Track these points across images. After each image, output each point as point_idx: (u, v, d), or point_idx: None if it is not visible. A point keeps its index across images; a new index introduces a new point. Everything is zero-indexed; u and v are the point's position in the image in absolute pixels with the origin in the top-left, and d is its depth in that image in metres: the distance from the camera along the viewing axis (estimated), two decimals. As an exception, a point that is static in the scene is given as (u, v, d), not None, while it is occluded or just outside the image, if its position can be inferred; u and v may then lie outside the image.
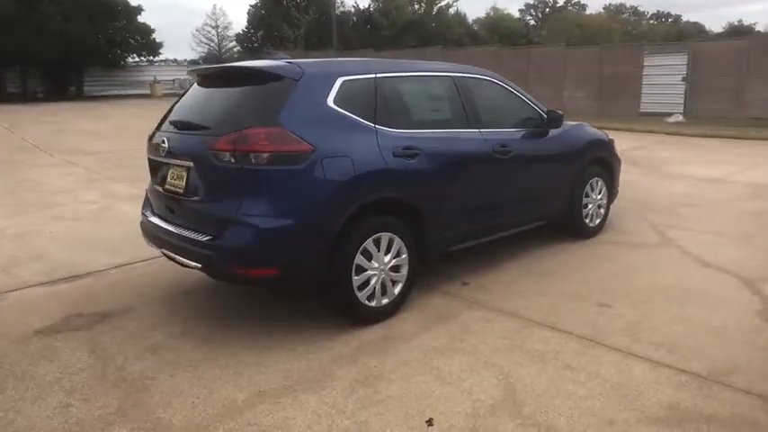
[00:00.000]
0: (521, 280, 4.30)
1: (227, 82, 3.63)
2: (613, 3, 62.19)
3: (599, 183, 5.30)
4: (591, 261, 4.71)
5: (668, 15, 62.01)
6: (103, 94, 30.89)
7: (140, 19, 32.56)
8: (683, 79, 16.96)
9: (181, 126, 3.57)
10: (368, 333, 3.46)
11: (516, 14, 53.27)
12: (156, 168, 3.84)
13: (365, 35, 37.17)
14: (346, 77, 3.51)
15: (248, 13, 41.32)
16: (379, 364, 3.07)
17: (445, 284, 4.19)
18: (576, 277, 4.33)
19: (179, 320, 3.71)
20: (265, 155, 3.07)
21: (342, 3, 36.45)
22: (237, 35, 43.10)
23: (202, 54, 44.03)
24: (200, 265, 3.23)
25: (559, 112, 4.71)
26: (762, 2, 76.57)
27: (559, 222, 5.07)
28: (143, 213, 4.00)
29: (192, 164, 3.34)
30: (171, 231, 3.49)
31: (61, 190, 7.99)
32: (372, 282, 3.49)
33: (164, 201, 3.69)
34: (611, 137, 5.68)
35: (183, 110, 3.77)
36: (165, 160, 3.56)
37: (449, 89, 4.15)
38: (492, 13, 47.36)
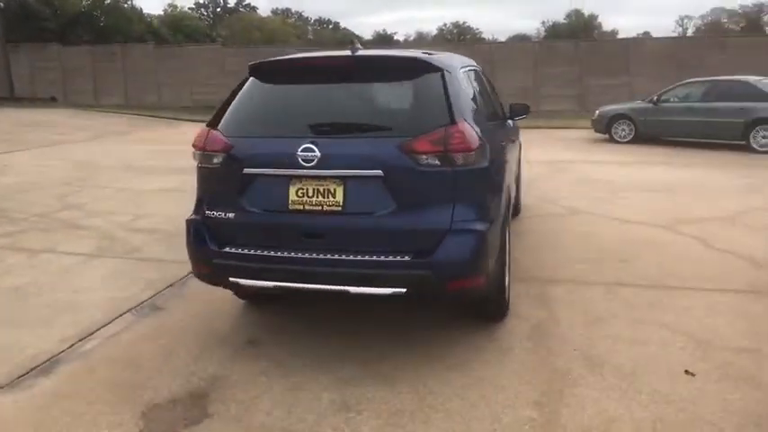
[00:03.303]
0: (533, 255, 4.82)
1: (367, 75, 3.13)
2: (280, 6, 66.02)
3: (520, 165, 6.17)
4: (552, 233, 5.52)
5: (329, 21, 69.09)
6: None
7: None
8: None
9: (335, 129, 2.90)
10: (515, 326, 3.50)
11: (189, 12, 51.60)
12: (248, 185, 3.01)
13: (26, 27, 30.81)
14: (461, 69, 3.44)
15: None
16: (578, 348, 3.21)
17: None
18: (565, 245, 5.09)
19: (303, 371, 3.04)
20: (466, 154, 2.84)
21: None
22: None
23: None
24: (403, 290, 2.77)
25: (526, 104, 5.34)
26: (396, 13, 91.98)
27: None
28: (217, 251, 3.06)
29: (378, 172, 2.80)
30: (324, 260, 2.83)
31: None
32: (507, 275, 3.53)
33: (288, 224, 2.94)
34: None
35: (314, 110, 3.06)
36: (311, 173, 2.85)
37: (482, 81, 4.36)
38: (170, 10, 44.91)
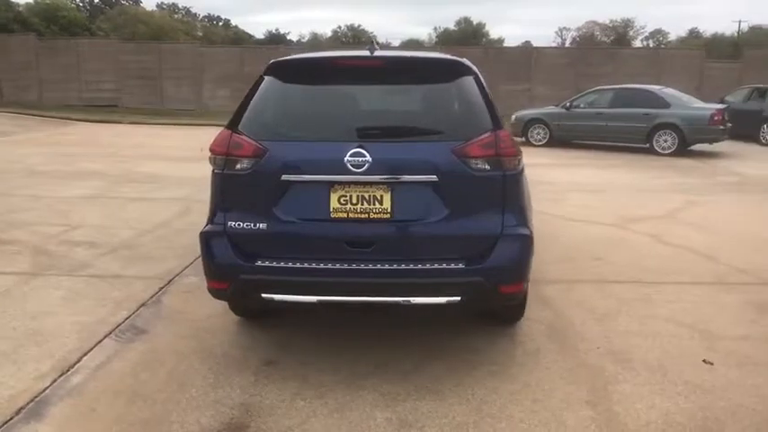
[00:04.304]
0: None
1: (403, 76, 2.98)
2: (166, 1, 62.50)
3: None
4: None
5: (219, 18, 66.36)
6: None
7: None
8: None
9: (383, 133, 2.72)
10: (530, 327, 3.54)
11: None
12: (283, 192, 2.77)
13: None
14: None
15: None
16: (600, 345, 3.32)
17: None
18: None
19: (338, 389, 2.87)
20: (511, 158, 2.84)
21: None
22: None
23: None
24: (458, 299, 2.69)
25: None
26: (288, 13, 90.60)
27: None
28: (247, 265, 2.79)
29: (432, 177, 2.69)
30: (372, 270, 2.68)
31: None
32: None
33: (330, 234, 2.75)
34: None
35: (353, 112, 2.85)
36: (361, 179, 2.68)
37: None
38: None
